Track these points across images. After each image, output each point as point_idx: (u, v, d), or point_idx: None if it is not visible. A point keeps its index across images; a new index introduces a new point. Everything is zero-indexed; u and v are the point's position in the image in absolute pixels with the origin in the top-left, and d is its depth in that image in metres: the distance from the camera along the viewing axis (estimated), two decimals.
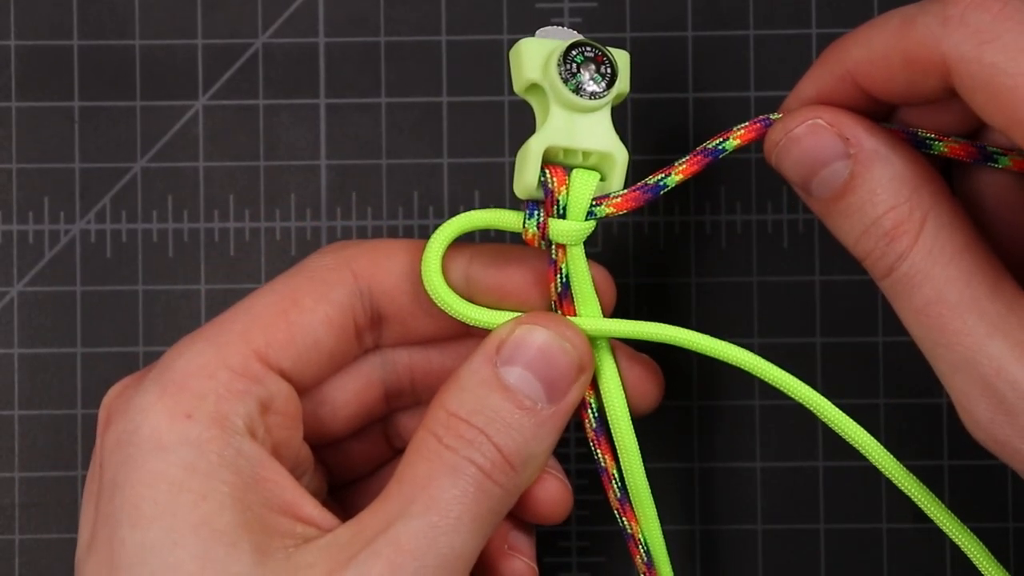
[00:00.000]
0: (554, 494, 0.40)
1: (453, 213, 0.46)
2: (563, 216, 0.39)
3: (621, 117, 0.45)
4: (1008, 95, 0.34)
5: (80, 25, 0.47)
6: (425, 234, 0.46)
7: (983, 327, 0.36)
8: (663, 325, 0.40)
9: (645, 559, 0.41)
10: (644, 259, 0.46)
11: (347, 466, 0.43)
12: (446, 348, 0.42)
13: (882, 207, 0.37)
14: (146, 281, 0.46)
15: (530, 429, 0.38)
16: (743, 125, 0.40)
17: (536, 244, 0.39)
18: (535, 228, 0.39)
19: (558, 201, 0.39)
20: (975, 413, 0.36)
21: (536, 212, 0.39)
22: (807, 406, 0.40)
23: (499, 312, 0.40)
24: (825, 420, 0.40)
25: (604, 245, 0.46)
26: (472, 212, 0.40)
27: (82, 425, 0.46)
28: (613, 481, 0.41)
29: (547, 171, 0.39)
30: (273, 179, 0.46)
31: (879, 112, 0.39)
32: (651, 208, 0.46)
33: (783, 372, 0.40)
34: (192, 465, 0.36)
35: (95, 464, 0.38)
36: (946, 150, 0.39)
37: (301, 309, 0.39)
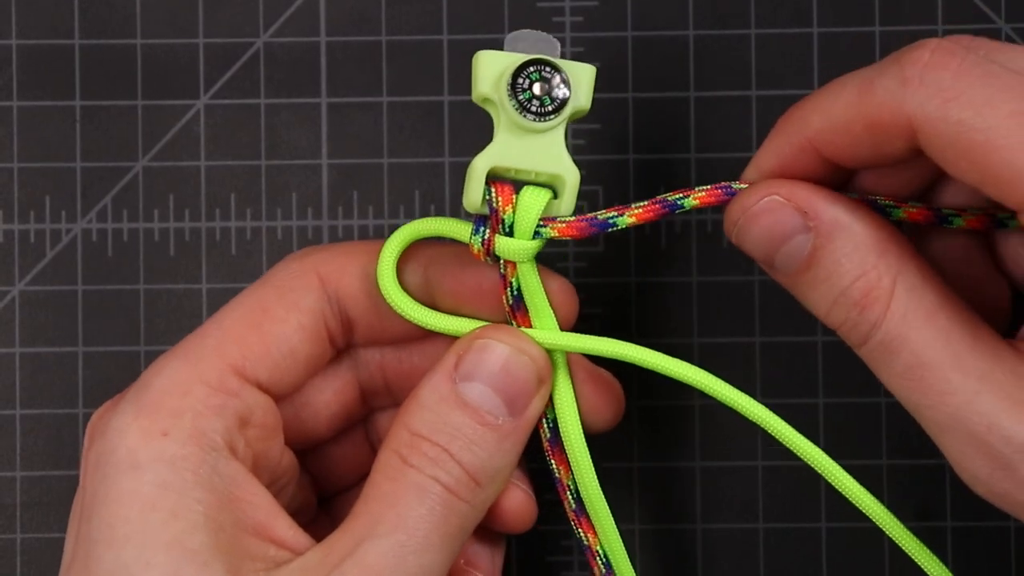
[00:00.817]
0: (518, 505, 0.40)
1: (454, 212, 0.46)
2: (510, 233, 0.38)
3: (622, 117, 0.45)
4: (979, 151, 0.34)
5: (81, 24, 0.46)
6: None
7: (969, 385, 0.35)
8: (619, 342, 0.39)
9: (604, 571, 0.41)
10: (644, 258, 0.46)
11: (334, 475, 0.43)
12: (416, 347, 0.41)
13: (848, 277, 0.36)
14: (147, 280, 0.46)
15: (493, 444, 0.38)
16: (705, 188, 0.39)
17: (482, 259, 0.39)
18: (479, 244, 0.38)
19: (503, 219, 0.38)
20: (972, 470, 0.35)
21: (482, 228, 0.38)
22: (761, 425, 0.39)
23: (456, 319, 0.40)
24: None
25: (605, 244, 0.46)
26: (424, 219, 0.39)
27: (83, 425, 0.46)
28: (568, 492, 0.40)
29: (493, 188, 0.38)
30: (274, 178, 0.46)
31: (840, 178, 0.38)
32: None
33: (738, 393, 0.39)
34: (166, 483, 0.36)
35: (80, 486, 0.38)
36: (904, 216, 0.38)
37: (273, 319, 0.39)
